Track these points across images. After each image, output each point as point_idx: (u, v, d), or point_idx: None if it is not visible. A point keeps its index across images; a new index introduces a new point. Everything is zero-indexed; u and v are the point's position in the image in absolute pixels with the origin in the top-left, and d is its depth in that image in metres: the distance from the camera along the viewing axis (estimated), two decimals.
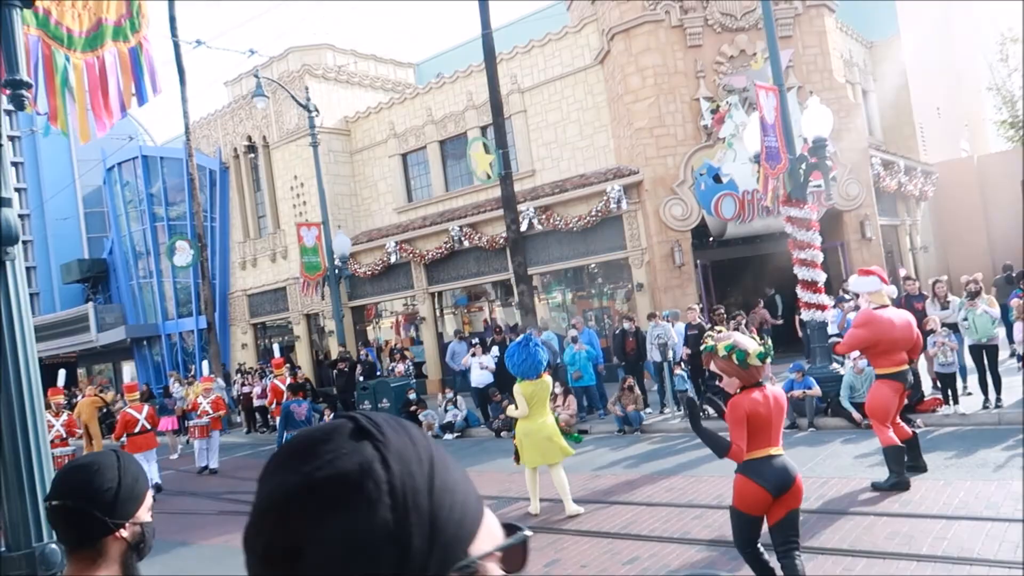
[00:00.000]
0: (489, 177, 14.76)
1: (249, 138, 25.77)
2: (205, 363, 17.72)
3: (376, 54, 26.87)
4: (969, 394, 10.06)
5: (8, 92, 2.93)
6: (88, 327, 29.40)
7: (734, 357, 4.47)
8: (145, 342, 28.55)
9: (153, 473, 12.47)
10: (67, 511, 1.71)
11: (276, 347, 21.25)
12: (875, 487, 6.97)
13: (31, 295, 36.63)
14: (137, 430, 12.33)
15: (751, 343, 4.46)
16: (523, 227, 19.23)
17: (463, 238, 20.24)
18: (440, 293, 22.01)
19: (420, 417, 14.36)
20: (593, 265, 18.91)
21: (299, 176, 24.21)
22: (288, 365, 20.80)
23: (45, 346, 31.25)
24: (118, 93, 4.01)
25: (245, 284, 26.27)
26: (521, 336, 8.88)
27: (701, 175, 16.93)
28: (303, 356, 24.43)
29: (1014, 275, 12.61)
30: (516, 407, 8.19)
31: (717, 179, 16.82)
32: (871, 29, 24.19)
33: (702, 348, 4.79)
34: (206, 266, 21.14)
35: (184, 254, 21.27)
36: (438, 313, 22.12)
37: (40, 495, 3.12)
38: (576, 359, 13.10)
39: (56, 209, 35.66)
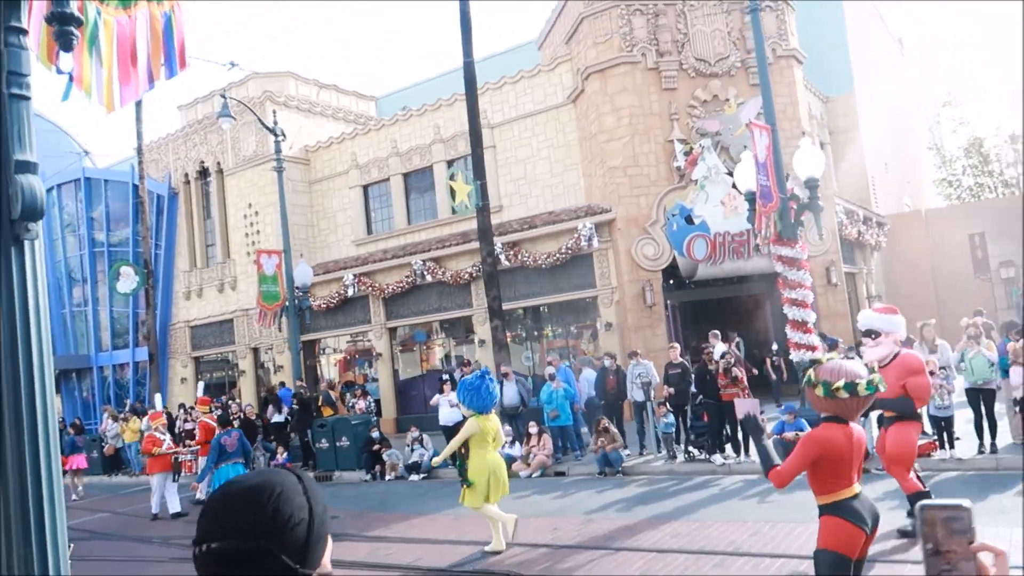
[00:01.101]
0: (466, 207, 14.34)
1: (202, 163, 24.82)
2: (158, 396, 16.37)
3: (338, 85, 26.38)
4: (957, 439, 9.95)
5: (54, 28, 2.38)
6: None
7: (819, 390, 4.09)
8: (74, 375, 26.81)
9: None
10: (243, 557, 1.15)
11: (201, 385, 19.61)
12: (904, 534, 6.65)
13: None
14: None
15: (856, 372, 4.09)
16: None
17: (426, 272, 19.70)
18: (395, 329, 21.30)
19: (384, 457, 13.60)
20: (560, 303, 18.57)
21: (254, 204, 23.35)
22: (233, 401, 19.70)
23: None
24: (147, 62, 3.46)
25: (188, 315, 25.02)
26: (479, 370, 8.81)
27: (673, 216, 16.89)
28: (248, 392, 23.25)
29: (984, 321, 12.71)
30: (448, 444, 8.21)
31: (689, 220, 16.80)
32: (828, 85, 24.95)
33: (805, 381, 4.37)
34: (151, 294, 19.98)
35: (128, 280, 20.06)
36: (395, 349, 21.39)
37: (56, 534, 2.47)
38: (553, 398, 12.63)
39: None
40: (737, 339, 17.66)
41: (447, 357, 20.61)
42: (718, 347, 13.06)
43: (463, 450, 8.11)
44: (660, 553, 7.05)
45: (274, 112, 19.13)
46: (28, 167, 2.53)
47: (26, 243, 2.57)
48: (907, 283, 25.81)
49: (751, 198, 11.31)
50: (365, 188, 22.86)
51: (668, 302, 17.27)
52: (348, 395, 17.09)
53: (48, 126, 35.95)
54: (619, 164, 17.36)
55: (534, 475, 12.03)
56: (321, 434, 14.97)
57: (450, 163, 21.18)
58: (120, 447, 18.52)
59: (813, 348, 10.87)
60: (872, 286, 23.22)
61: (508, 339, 19.56)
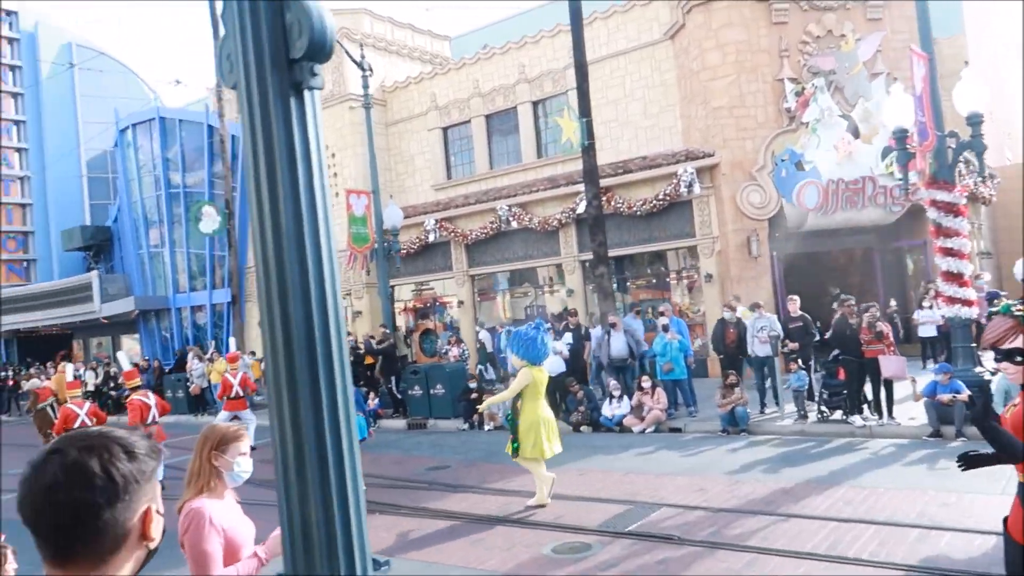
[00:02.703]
0: (572, 146, 13.49)
1: None
2: (232, 339, 16.24)
3: (413, 24, 25.46)
4: None
5: None
6: (89, 297, 27.83)
7: None
8: (153, 315, 27.00)
9: None
10: None
11: (232, 341, 18.35)
12: None
13: (27, 261, 34.87)
14: (76, 426, 11.32)
15: None
16: (579, 209, 18.05)
17: (511, 218, 18.97)
18: (478, 276, 20.68)
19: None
20: (654, 252, 17.68)
21: (331, 146, 22.77)
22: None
23: (43, 315, 29.69)
24: None
25: None
26: (534, 321, 9.08)
27: (783, 161, 15.76)
28: None
29: None
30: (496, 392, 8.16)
31: (799, 166, 15.67)
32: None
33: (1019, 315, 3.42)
34: (233, 235, 19.67)
35: (211, 220, 19.74)
36: (477, 298, 20.80)
37: (355, 475, 1.83)
38: (667, 350, 11.88)
39: (59, 172, 33.92)
40: (838, 292, 16.61)
41: (531, 307, 19.94)
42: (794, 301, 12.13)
43: (518, 403, 7.93)
44: (842, 523, 6.30)
45: (361, 46, 18.30)
46: None
47: (306, 93, 1.87)
48: (1012, 240, 24.15)
49: (901, 136, 10.24)
50: (445, 131, 22.09)
51: (773, 253, 16.23)
52: (442, 341, 16.59)
53: (119, 67, 35.93)
54: (724, 104, 16.22)
55: (647, 431, 11.36)
56: (414, 380, 14.52)
57: (536, 104, 20.26)
58: (205, 387, 18.47)
59: (969, 303, 9.86)
60: (982, 242, 21.73)
61: (593, 290, 18.84)
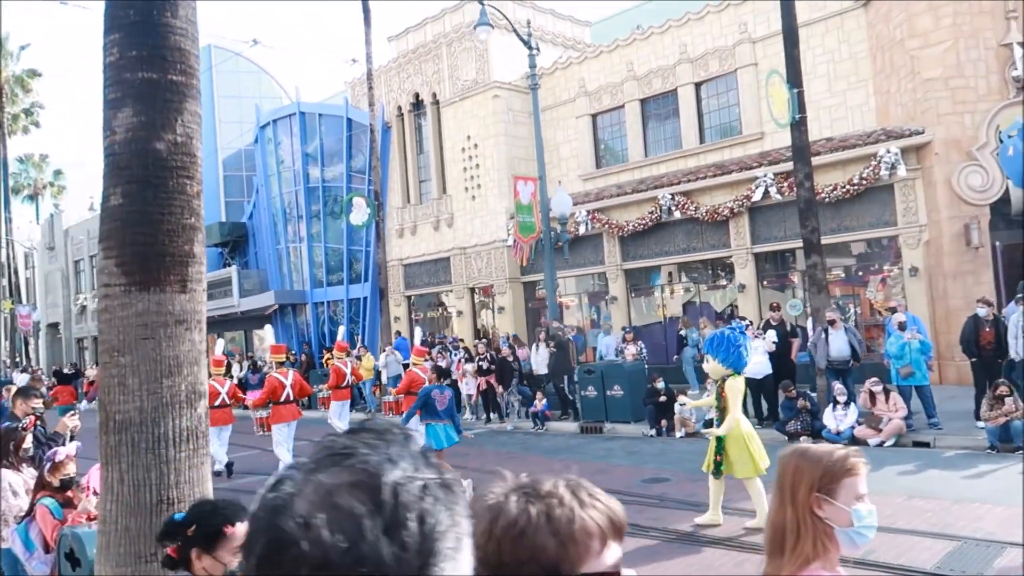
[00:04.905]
0: (781, 121, 11.97)
1: (416, 95, 23.72)
2: (341, 328, 16.18)
3: (554, 9, 24.38)
4: None
5: None
6: (229, 291, 28.12)
7: None
8: (290, 309, 27.01)
9: (220, 452, 11.29)
10: None
11: (341, 330, 18.44)
12: None
13: None
14: (217, 404, 11.40)
15: None
16: (756, 196, 16.49)
17: (674, 208, 17.54)
18: (632, 271, 19.33)
19: (675, 409, 11.71)
20: (843, 243, 15.88)
21: (473, 136, 21.98)
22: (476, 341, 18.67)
23: None
24: None
25: (402, 253, 24.27)
26: (734, 323, 8.81)
27: (1010, 137, 13.71)
28: (465, 333, 22.22)
29: None
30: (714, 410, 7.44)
31: None
32: None
33: None
34: (381, 227, 19.11)
35: (361, 212, 19.27)
36: (631, 294, 19.46)
37: None
38: (905, 351, 10.21)
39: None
40: None
41: (696, 303, 18.41)
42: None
43: (718, 413, 7.17)
44: None
45: (528, 23, 17.29)
46: None
47: None
48: None
49: None
50: (594, 117, 20.86)
51: (996, 243, 14.17)
52: (610, 340, 15.38)
53: (253, 67, 36.61)
54: (938, 75, 14.27)
55: (886, 444, 9.74)
56: (588, 381, 13.34)
57: (698, 86, 18.76)
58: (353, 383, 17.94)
59: None
60: None
61: (767, 285, 17.20)
